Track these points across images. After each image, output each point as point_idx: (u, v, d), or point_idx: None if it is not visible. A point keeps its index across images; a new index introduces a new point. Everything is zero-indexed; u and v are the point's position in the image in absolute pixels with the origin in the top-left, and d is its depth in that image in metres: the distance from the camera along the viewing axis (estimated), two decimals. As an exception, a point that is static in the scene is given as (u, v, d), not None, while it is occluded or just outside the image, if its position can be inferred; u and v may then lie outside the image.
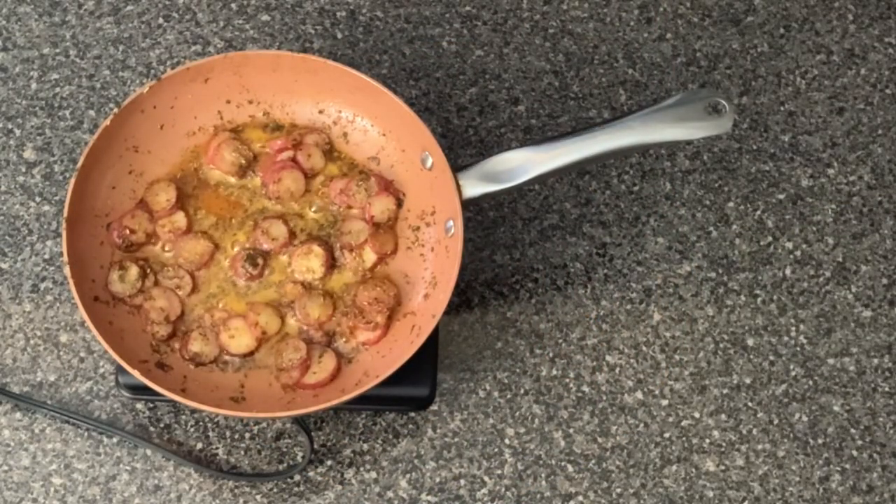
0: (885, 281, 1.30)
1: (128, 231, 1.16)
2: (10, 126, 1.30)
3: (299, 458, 1.19)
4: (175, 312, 1.15)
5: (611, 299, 1.27)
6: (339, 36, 1.37)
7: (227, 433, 1.20)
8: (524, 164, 1.14)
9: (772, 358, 1.26)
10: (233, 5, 1.37)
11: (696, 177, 1.33)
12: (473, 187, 1.15)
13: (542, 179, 1.15)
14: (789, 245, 1.31)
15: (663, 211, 1.31)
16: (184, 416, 1.20)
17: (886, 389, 1.26)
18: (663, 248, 1.30)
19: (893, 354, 1.27)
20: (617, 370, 1.24)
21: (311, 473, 1.19)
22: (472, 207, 1.28)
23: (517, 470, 1.20)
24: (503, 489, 1.19)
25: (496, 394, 1.23)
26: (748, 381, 1.25)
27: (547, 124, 1.34)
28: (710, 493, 1.20)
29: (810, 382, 1.25)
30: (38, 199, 1.27)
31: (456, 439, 1.21)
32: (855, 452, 1.23)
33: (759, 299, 1.28)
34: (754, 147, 1.35)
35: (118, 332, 1.12)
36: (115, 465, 1.18)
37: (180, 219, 1.18)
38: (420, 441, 1.21)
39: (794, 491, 1.21)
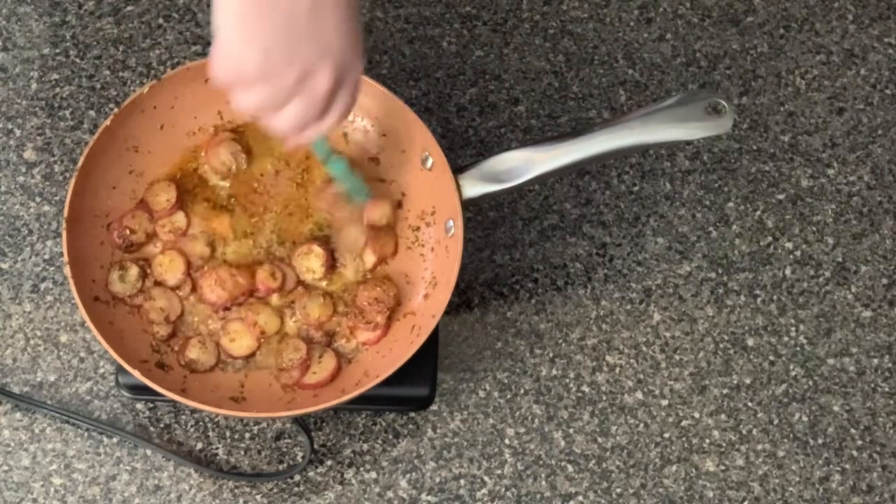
0: (885, 281, 1.30)
1: (128, 231, 1.16)
2: (10, 126, 1.30)
3: (299, 458, 1.19)
4: (175, 312, 1.15)
5: (611, 299, 1.27)
6: (339, 36, 1.37)
7: (227, 433, 1.20)
8: (524, 164, 1.14)
9: (772, 358, 1.26)
10: (233, 5, 1.37)
11: (696, 177, 1.33)
12: (473, 187, 1.15)
13: (541, 179, 1.15)
14: (789, 245, 1.31)
15: (663, 211, 1.31)
16: (184, 416, 1.20)
17: (886, 389, 1.26)
18: (663, 248, 1.30)
19: (893, 354, 1.27)
20: (617, 370, 1.24)
21: (311, 473, 1.19)
22: (472, 208, 1.28)
23: (517, 470, 1.20)
24: (503, 489, 1.19)
25: (496, 394, 1.23)
26: (748, 381, 1.25)
27: (547, 124, 1.34)
28: (710, 493, 1.20)
29: (810, 382, 1.25)
30: (38, 199, 1.27)
31: (456, 439, 1.21)
32: (855, 452, 1.23)
33: (759, 299, 1.28)
34: (754, 147, 1.35)
35: (118, 332, 1.12)
36: (115, 465, 1.18)
37: (180, 219, 1.18)
38: (420, 441, 1.21)
39: (794, 491, 1.21)
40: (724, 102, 1.13)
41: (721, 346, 1.26)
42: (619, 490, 1.20)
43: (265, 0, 0.87)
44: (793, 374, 1.25)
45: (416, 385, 1.19)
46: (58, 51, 1.33)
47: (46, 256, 1.25)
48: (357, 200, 1.17)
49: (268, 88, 0.91)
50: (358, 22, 0.93)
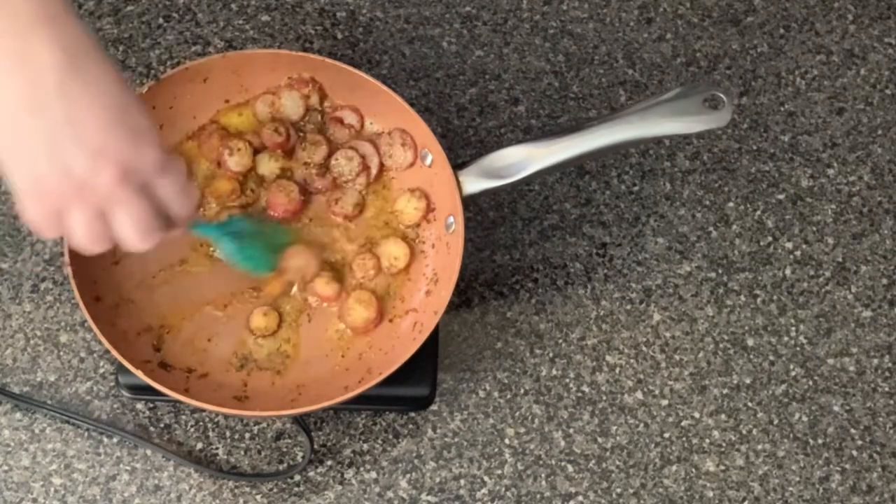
0: (885, 281, 1.30)
1: None
2: (9, 126, 1.29)
3: (299, 458, 1.19)
4: None
5: (611, 299, 1.27)
6: (339, 36, 1.37)
7: (227, 433, 1.20)
8: (524, 159, 1.14)
9: (772, 358, 1.26)
10: (233, 5, 1.37)
11: (696, 177, 1.33)
12: (473, 184, 1.14)
13: (541, 175, 1.14)
14: (789, 245, 1.31)
15: (663, 211, 1.31)
16: (184, 416, 1.20)
17: (886, 389, 1.26)
18: (663, 248, 1.30)
19: (893, 354, 1.27)
20: (617, 370, 1.24)
21: (311, 473, 1.19)
22: (472, 208, 1.28)
23: (517, 470, 1.20)
24: (503, 489, 1.19)
25: (496, 394, 1.23)
26: (748, 381, 1.25)
27: (547, 125, 1.34)
28: (710, 493, 1.20)
29: (810, 382, 1.25)
30: (37, 199, 1.27)
31: (456, 439, 1.21)
32: (855, 452, 1.23)
33: (759, 299, 1.28)
34: (754, 147, 1.35)
35: (120, 332, 1.12)
36: (115, 465, 1.18)
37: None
38: (420, 441, 1.20)
39: (794, 491, 1.21)
40: (722, 95, 1.13)
41: (721, 346, 1.26)
42: (619, 490, 1.20)
43: (16, 120, 0.84)
44: (793, 374, 1.25)
45: (416, 385, 1.19)
46: (57, 51, 1.33)
47: (46, 256, 1.25)
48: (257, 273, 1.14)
49: (67, 209, 0.88)
50: (138, 108, 0.89)
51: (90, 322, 1.07)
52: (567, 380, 1.24)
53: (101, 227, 0.90)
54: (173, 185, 0.92)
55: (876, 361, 1.27)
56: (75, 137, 0.85)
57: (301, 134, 1.21)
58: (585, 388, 1.23)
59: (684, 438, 1.22)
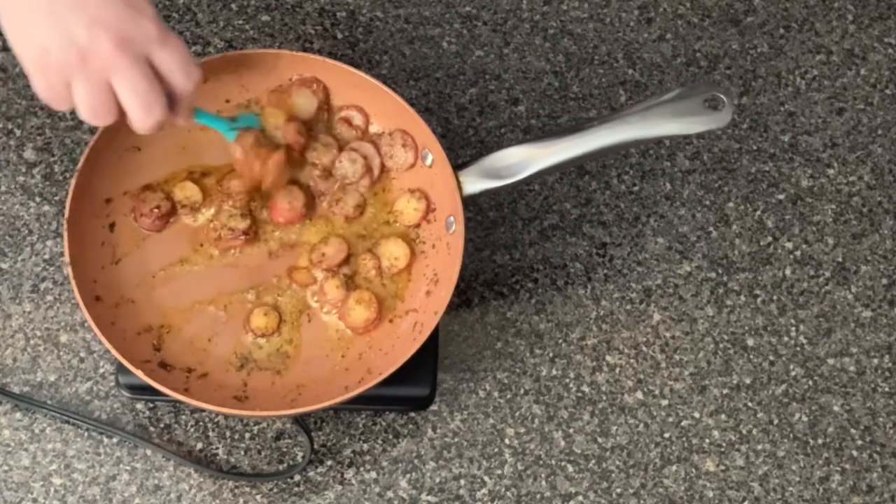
0: (885, 281, 1.30)
1: (154, 209, 1.17)
2: (10, 126, 1.30)
3: (299, 458, 1.19)
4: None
5: (611, 299, 1.27)
6: (339, 36, 1.37)
7: (227, 433, 1.20)
8: (524, 160, 1.14)
9: (772, 358, 1.26)
10: (233, 5, 1.37)
11: (696, 177, 1.33)
12: (473, 184, 1.14)
13: (541, 176, 1.14)
14: (789, 245, 1.31)
15: (663, 211, 1.31)
16: (184, 416, 1.20)
17: (886, 389, 1.26)
18: (663, 248, 1.30)
19: (893, 354, 1.27)
20: (617, 370, 1.24)
21: (311, 473, 1.19)
22: (472, 208, 1.28)
23: (517, 470, 1.20)
24: (503, 489, 1.19)
25: (496, 394, 1.23)
26: (748, 381, 1.25)
27: (547, 125, 1.34)
28: (710, 493, 1.20)
29: (810, 382, 1.25)
30: (38, 199, 1.27)
31: (456, 439, 1.21)
32: (855, 452, 1.23)
33: (759, 299, 1.28)
34: (754, 147, 1.35)
35: (120, 332, 1.12)
36: (115, 465, 1.18)
37: (195, 192, 1.19)
38: (420, 441, 1.20)
39: (794, 491, 1.21)
40: (722, 96, 1.13)
41: (721, 346, 1.26)
42: (619, 490, 1.20)
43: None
44: (793, 374, 1.25)
45: (416, 385, 1.19)
46: (58, 51, 1.33)
47: (46, 256, 1.25)
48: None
49: (73, 80, 0.94)
50: None
51: (90, 322, 1.07)
52: (567, 380, 1.24)
53: (104, 98, 0.95)
54: (174, 57, 0.97)
55: (876, 361, 1.27)
56: (74, 8, 0.92)
57: (311, 134, 1.21)
58: (585, 388, 1.23)
59: (684, 438, 1.22)
